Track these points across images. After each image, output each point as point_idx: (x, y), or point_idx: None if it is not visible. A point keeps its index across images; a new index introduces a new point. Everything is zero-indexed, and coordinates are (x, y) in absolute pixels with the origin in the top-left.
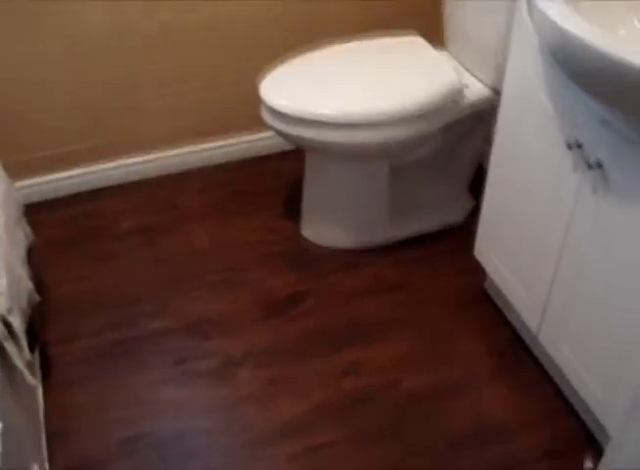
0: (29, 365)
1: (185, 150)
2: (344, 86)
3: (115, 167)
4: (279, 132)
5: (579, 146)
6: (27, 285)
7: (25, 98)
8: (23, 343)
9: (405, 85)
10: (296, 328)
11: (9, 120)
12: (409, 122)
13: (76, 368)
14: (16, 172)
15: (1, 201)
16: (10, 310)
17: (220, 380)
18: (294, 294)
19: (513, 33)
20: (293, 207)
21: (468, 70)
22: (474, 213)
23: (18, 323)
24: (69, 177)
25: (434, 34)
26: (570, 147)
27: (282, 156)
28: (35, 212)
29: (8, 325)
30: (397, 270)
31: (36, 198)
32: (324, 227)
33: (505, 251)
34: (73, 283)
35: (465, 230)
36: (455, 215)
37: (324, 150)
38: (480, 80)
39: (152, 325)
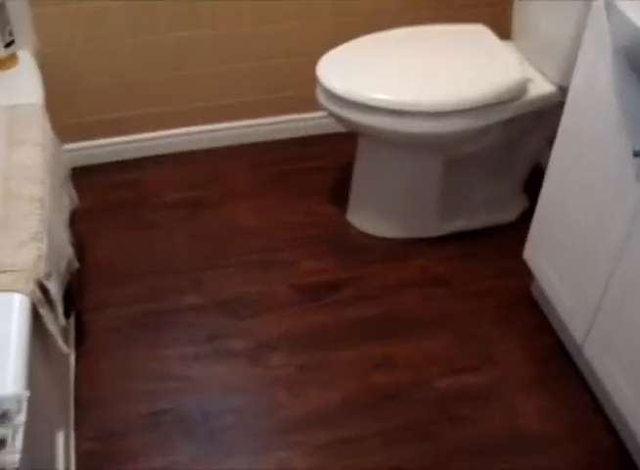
0: (64, 332)
1: (235, 124)
2: (404, 72)
3: (165, 137)
4: (333, 115)
5: None
6: (68, 250)
7: (80, 61)
8: (59, 309)
9: (467, 75)
10: (331, 315)
11: (62, 82)
12: (468, 115)
13: (108, 336)
14: (65, 135)
15: (50, 163)
16: (48, 276)
17: (252, 361)
18: (333, 280)
19: (586, 32)
20: (340, 191)
21: (533, 64)
22: (526, 215)
23: (55, 289)
24: (118, 143)
25: (501, 26)
26: (636, 155)
27: (334, 137)
28: (81, 177)
29: (45, 290)
30: (443, 265)
31: (83, 162)
32: (371, 215)
33: (556, 256)
34: (111, 250)
35: (516, 230)
36: (507, 214)
37: (378, 136)
38: (545, 76)
39: (185, 299)
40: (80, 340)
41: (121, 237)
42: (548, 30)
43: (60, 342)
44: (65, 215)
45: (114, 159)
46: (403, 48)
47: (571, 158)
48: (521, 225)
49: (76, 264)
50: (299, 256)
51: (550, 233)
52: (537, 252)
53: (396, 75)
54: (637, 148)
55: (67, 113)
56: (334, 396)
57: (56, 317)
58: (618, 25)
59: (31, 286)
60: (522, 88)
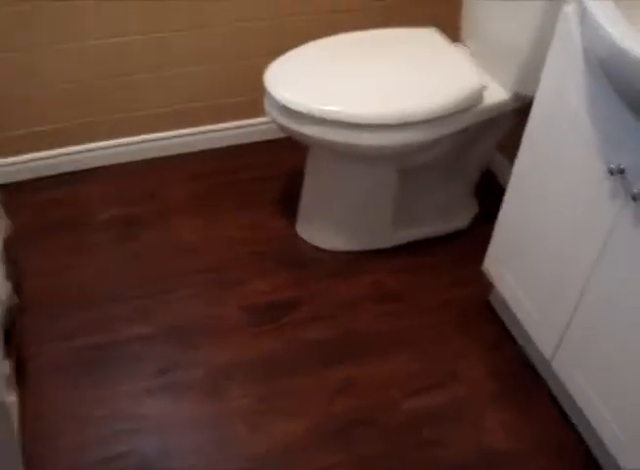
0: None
1: (172, 133)
2: (355, 81)
3: (97, 149)
4: (281, 127)
5: (622, 172)
6: (5, 287)
7: (8, 71)
8: (1, 354)
9: (422, 85)
10: (286, 338)
11: None
12: (423, 126)
13: (51, 376)
14: None
15: None
16: None
17: (207, 394)
18: (285, 300)
19: (554, 39)
20: (288, 202)
21: (486, 68)
22: (479, 220)
23: None
24: (47, 157)
25: (449, 27)
26: (611, 173)
27: (279, 143)
28: (11, 194)
29: None
30: (397, 278)
31: (11, 178)
32: (321, 227)
33: (521, 269)
34: (46, 276)
35: (469, 236)
36: (459, 221)
37: (329, 148)
38: (499, 82)
39: (131, 329)
40: (22, 381)
41: (57, 261)
42: (502, 33)
43: (3, 394)
44: None
45: (44, 174)
46: (353, 55)
47: (535, 170)
48: (473, 231)
49: (16, 300)
50: (248, 274)
51: (513, 246)
52: (499, 264)
53: (347, 85)
54: (612, 165)
55: None
56: (297, 426)
57: None
58: (594, 37)
59: None
60: (477, 97)
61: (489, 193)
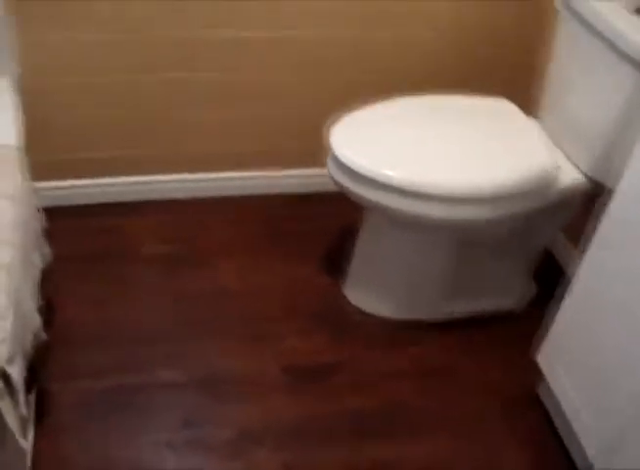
0: (24, 422)
1: (228, 175)
2: (422, 148)
3: (150, 182)
4: (340, 186)
5: None
6: (35, 323)
7: (64, 95)
8: (21, 397)
9: (492, 158)
10: (322, 404)
11: (43, 116)
12: (489, 203)
13: (73, 414)
14: (42, 172)
15: (21, 220)
16: (11, 360)
17: (232, 455)
18: (325, 363)
19: None
20: (338, 258)
21: (562, 148)
22: (535, 303)
23: (17, 373)
24: (98, 185)
25: (524, 98)
26: None
27: (337, 196)
28: (56, 218)
29: (6, 377)
30: (444, 354)
31: (59, 202)
32: (370, 291)
33: (576, 369)
34: (82, 308)
35: (522, 320)
36: (514, 300)
37: (386, 213)
38: (573, 163)
39: (162, 374)
40: (42, 415)
41: (94, 293)
42: (584, 109)
43: (19, 438)
44: (34, 280)
45: (92, 201)
46: (422, 120)
47: (605, 275)
48: (528, 314)
49: (44, 336)
50: (289, 329)
51: (571, 344)
52: (553, 358)
53: (413, 152)
54: None
55: (46, 148)
56: None
57: (16, 405)
58: None
59: None
60: (549, 178)
61: (548, 274)
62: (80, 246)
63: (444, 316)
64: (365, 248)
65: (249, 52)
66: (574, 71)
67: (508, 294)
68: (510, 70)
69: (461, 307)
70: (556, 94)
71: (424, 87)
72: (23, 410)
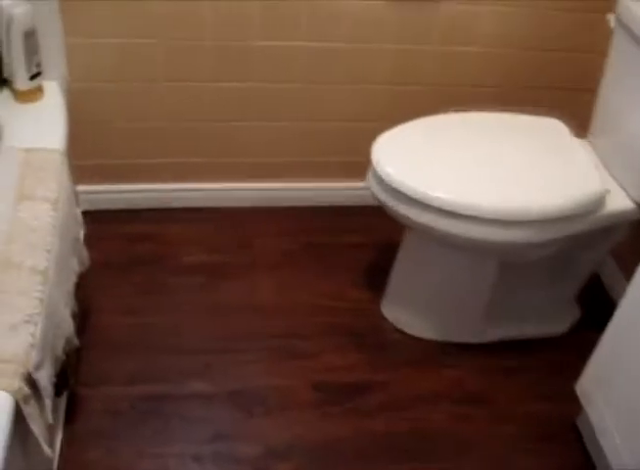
0: (50, 429)
1: (271, 185)
2: (468, 167)
3: (193, 190)
4: (380, 203)
5: None
6: (68, 329)
7: (111, 99)
8: (47, 403)
9: (539, 181)
10: (352, 425)
11: (89, 119)
12: (535, 226)
13: (102, 420)
14: (84, 175)
15: (60, 225)
16: (39, 365)
17: None
18: (358, 382)
19: None
20: (377, 274)
21: (612, 171)
22: (578, 327)
23: (46, 380)
24: (141, 191)
25: (575, 120)
26: None
27: (379, 211)
28: (96, 222)
29: (33, 383)
30: (482, 378)
31: (101, 206)
32: (408, 310)
33: (616, 402)
34: (119, 315)
35: (566, 344)
36: (558, 325)
37: (428, 234)
38: (624, 188)
39: (193, 385)
40: (72, 420)
41: (131, 301)
42: (636, 133)
43: (44, 445)
44: (69, 285)
45: (134, 207)
46: (468, 138)
47: None
48: (571, 339)
49: (76, 342)
50: (324, 346)
51: (612, 376)
52: (593, 389)
53: (458, 171)
54: None
55: (90, 152)
56: None
57: (42, 412)
58: None
59: (17, 383)
60: (599, 202)
61: (594, 298)
62: (119, 251)
63: (485, 340)
64: (405, 266)
65: (296, 63)
66: (628, 92)
67: (551, 318)
68: (561, 89)
69: (502, 331)
70: (608, 115)
71: (471, 104)
72: (49, 417)
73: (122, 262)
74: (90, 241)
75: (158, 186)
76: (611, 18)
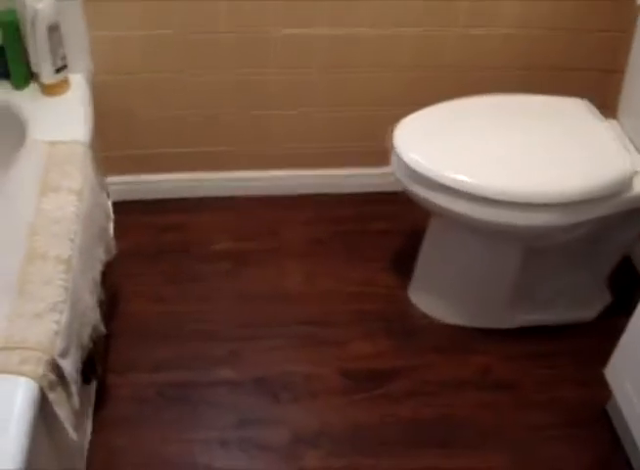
0: (77, 415)
1: (298, 173)
2: (492, 150)
3: (221, 179)
4: (405, 189)
5: None
6: (94, 315)
7: (137, 90)
8: (73, 389)
9: (564, 163)
10: (379, 411)
11: (115, 111)
12: (560, 209)
13: (130, 407)
14: (113, 166)
15: (85, 215)
16: (64, 353)
17: (284, 458)
18: (385, 368)
19: None
20: (406, 260)
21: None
22: (609, 312)
23: (71, 366)
24: (169, 181)
25: (607, 96)
26: None
27: (406, 197)
28: (125, 212)
29: (59, 369)
30: (510, 365)
31: (129, 196)
32: (435, 296)
33: None
34: (147, 302)
35: (595, 329)
36: (587, 311)
37: (454, 219)
38: None
39: (219, 372)
40: (100, 406)
41: (159, 289)
42: None
43: (70, 429)
44: (95, 273)
45: (162, 196)
46: (492, 121)
47: None
48: (601, 325)
49: (102, 330)
50: (352, 333)
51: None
52: (621, 373)
53: (482, 155)
54: None
55: (118, 143)
56: None
57: (69, 398)
58: None
59: (41, 369)
60: (626, 183)
61: (625, 282)
62: (148, 240)
63: (513, 325)
64: (430, 252)
65: (317, 50)
66: None
67: (581, 303)
68: (589, 70)
69: (531, 317)
70: (635, 95)
71: (497, 87)
72: (76, 403)
73: (151, 251)
74: (119, 230)
75: (185, 176)
76: None
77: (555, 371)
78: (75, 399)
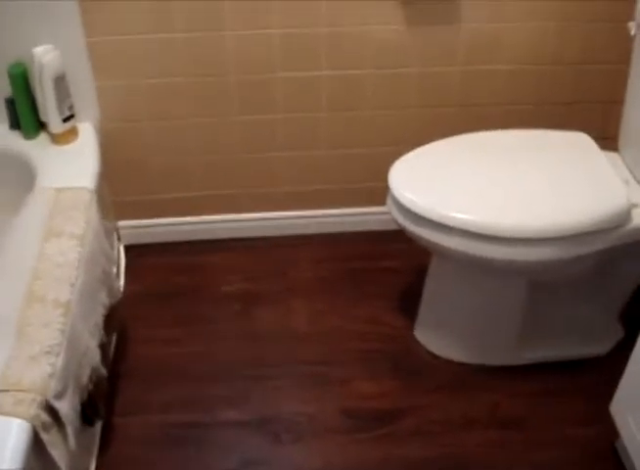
0: (72, 456)
1: (306, 213)
2: (489, 187)
3: (229, 221)
4: (403, 229)
5: None
6: (94, 359)
7: (145, 137)
8: (69, 430)
9: (562, 196)
10: (382, 451)
11: (125, 158)
12: (558, 243)
13: (136, 447)
14: (124, 211)
15: (87, 260)
16: (60, 394)
17: None
18: (390, 408)
19: None
20: (412, 299)
21: None
22: (622, 347)
23: (67, 408)
24: (179, 224)
25: (606, 132)
26: None
27: None
28: (137, 256)
29: (54, 411)
30: (519, 402)
31: (141, 240)
32: (441, 334)
33: None
34: (156, 344)
35: (608, 364)
36: (598, 346)
37: (453, 257)
38: None
39: (225, 413)
40: (105, 447)
41: (169, 330)
42: None
43: None
44: (97, 317)
45: (173, 239)
46: (490, 157)
47: None
48: (612, 359)
49: (104, 372)
50: (356, 372)
51: None
52: (625, 408)
53: (480, 191)
54: None
55: (128, 189)
56: None
57: (65, 439)
58: None
59: (33, 411)
60: (624, 217)
61: (638, 315)
62: (159, 283)
63: (521, 362)
64: (433, 290)
65: (321, 92)
66: None
67: (592, 338)
68: (592, 102)
69: (539, 353)
70: (634, 127)
71: (500, 123)
72: (72, 444)
73: (161, 293)
74: (131, 273)
75: (194, 219)
76: (631, 25)
77: (564, 408)
78: (71, 441)
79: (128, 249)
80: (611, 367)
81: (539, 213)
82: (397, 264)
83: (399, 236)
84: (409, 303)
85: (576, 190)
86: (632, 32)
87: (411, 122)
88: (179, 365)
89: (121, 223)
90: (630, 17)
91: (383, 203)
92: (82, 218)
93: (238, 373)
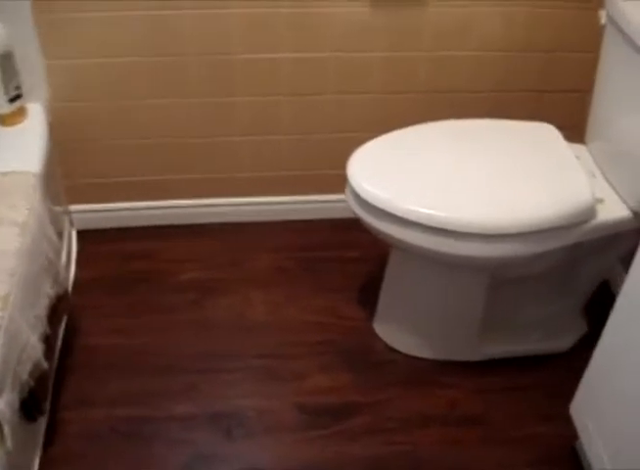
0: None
1: (265, 199)
2: (450, 179)
3: (186, 206)
4: (360, 220)
5: None
6: (34, 354)
7: (96, 119)
8: (6, 429)
9: (524, 191)
10: (335, 450)
11: (76, 140)
12: (520, 239)
13: (81, 444)
14: (75, 195)
15: (28, 249)
16: None
17: None
18: (345, 403)
19: None
20: (372, 291)
21: (609, 178)
22: (585, 343)
23: (4, 404)
24: (132, 209)
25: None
26: None
27: None
28: (88, 241)
29: None
30: (477, 398)
31: (92, 225)
32: (401, 328)
33: (608, 428)
34: (106, 335)
35: (570, 360)
36: (561, 341)
37: (413, 252)
38: (620, 196)
39: (175, 407)
40: (50, 444)
41: (120, 320)
42: (632, 137)
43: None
44: (39, 309)
45: (128, 225)
46: (450, 148)
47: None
48: (576, 354)
49: (44, 366)
50: (312, 366)
51: (600, 396)
52: (584, 411)
53: (441, 184)
54: None
55: (79, 172)
56: None
57: (2, 438)
58: None
59: None
60: (588, 212)
61: (602, 310)
62: (112, 270)
63: (483, 357)
64: (392, 283)
65: (282, 75)
66: (620, 94)
67: (555, 334)
68: (559, 92)
69: (500, 348)
70: (601, 119)
71: (466, 111)
72: (9, 442)
73: (115, 281)
74: (83, 260)
75: (150, 203)
76: (601, 14)
77: (525, 406)
78: (8, 439)
79: (81, 234)
80: (573, 363)
81: (500, 208)
82: (360, 254)
83: (362, 225)
84: (370, 294)
85: (539, 184)
86: (602, 21)
87: (375, 109)
88: (129, 357)
89: (74, 207)
90: (601, 4)
91: (344, 190)
92: (25, 205)
93: (189, 366)
